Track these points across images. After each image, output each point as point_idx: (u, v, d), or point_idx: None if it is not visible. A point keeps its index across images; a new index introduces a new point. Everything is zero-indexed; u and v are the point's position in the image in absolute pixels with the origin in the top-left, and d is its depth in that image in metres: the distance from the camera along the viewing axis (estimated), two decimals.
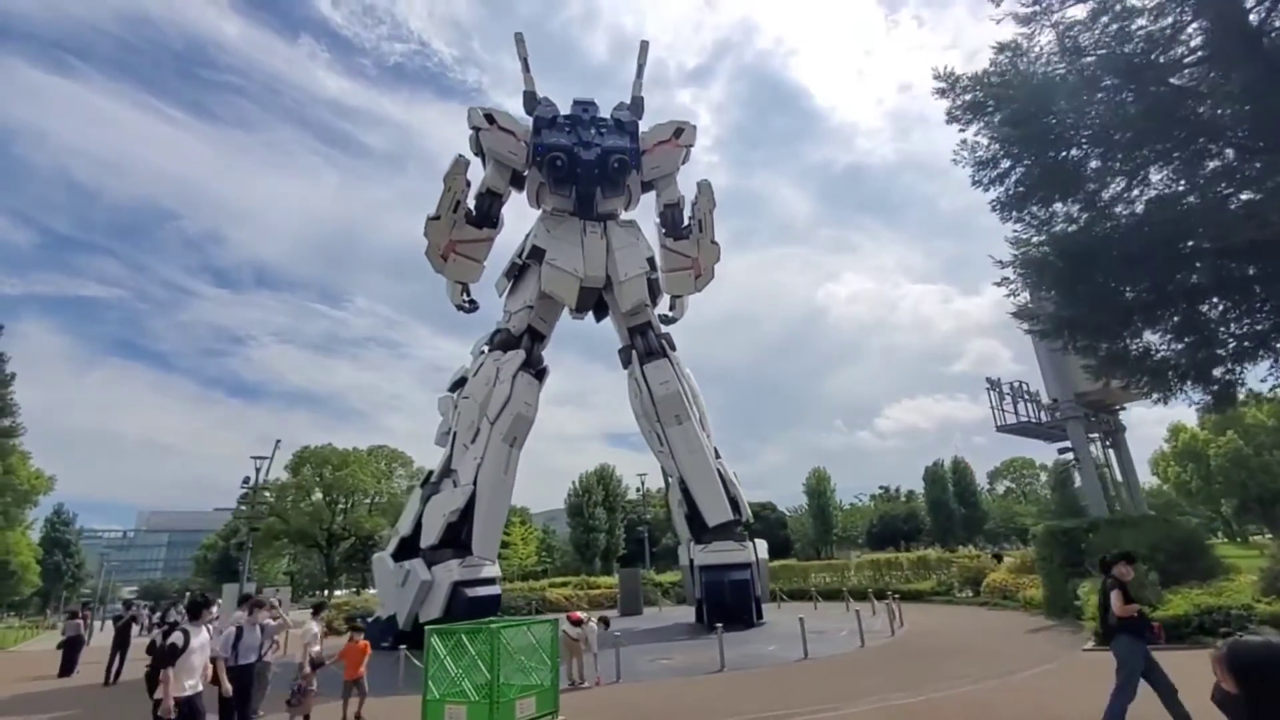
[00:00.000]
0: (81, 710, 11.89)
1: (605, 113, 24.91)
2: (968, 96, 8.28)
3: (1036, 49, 7.59)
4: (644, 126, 25.60)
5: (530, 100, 24.21)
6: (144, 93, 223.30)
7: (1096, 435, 18.36)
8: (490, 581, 19.22)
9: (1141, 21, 7.62)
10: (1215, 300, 6.95)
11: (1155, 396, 7.99)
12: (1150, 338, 7.61)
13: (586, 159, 22.75)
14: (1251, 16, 6.90)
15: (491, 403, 20.77)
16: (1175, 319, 7.05)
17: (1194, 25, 7.38)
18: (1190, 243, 6.34)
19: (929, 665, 11.19)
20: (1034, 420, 18.39)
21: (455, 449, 20.56)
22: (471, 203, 24.54)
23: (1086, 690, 7.48)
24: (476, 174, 24.24)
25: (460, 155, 24.74)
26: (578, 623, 11.92)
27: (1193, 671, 7.38)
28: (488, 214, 24.60)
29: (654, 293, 24.92)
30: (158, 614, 18.40)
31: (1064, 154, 7.22)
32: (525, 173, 24.83)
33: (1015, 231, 7.88)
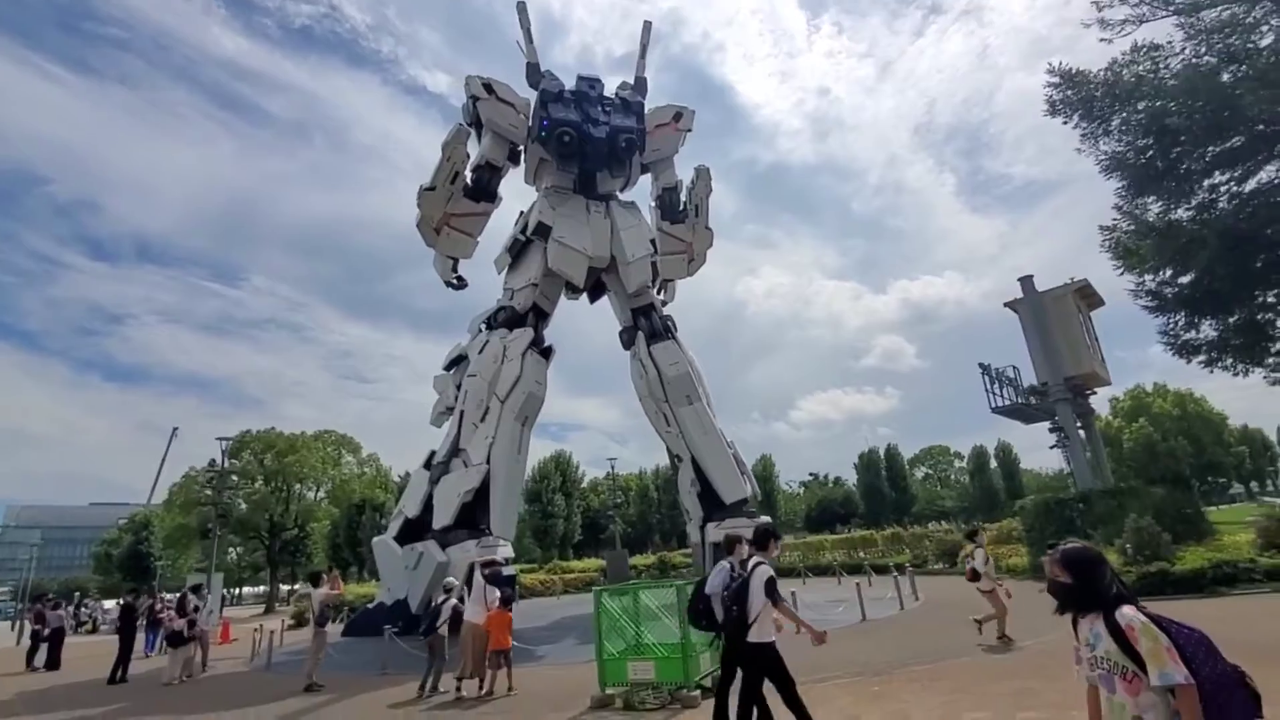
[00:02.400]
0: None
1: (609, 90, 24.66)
2: (1081, 93, 9.02)
3: (1161, 57, 8.39)
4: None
5: (534, 72, 23.58)
6: (17, 45, 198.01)
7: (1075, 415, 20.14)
8: (507, 562, 18.83)
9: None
10: None
11: (1239, 368, 9.06)
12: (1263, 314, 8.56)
13: (596, 137, 22.43)
14: None
15: (501, 381, 20.27)
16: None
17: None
18: None
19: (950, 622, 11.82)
20: (1024, 402, 19.99)
21: (464, 428, 19.94)
22: (468, 175, 23.80)
23: None
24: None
25: (461, 124, 23.83)
26: None
27: (1206, 616, 8.48)
28: (485, 188, 23.87)
29: (654, 274, 24.99)
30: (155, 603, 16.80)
31: (1184, 150, 8.06)
32: (523, 147, 24.27)
33: (1157, 214, 8.62)
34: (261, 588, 71.12)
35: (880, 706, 6.45)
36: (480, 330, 23.05)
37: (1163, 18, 9.72)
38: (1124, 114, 9.50)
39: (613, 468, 44.67)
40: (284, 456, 42.49)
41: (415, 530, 19.55)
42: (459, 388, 22.06)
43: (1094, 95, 9.46)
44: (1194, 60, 8.17)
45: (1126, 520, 13.43)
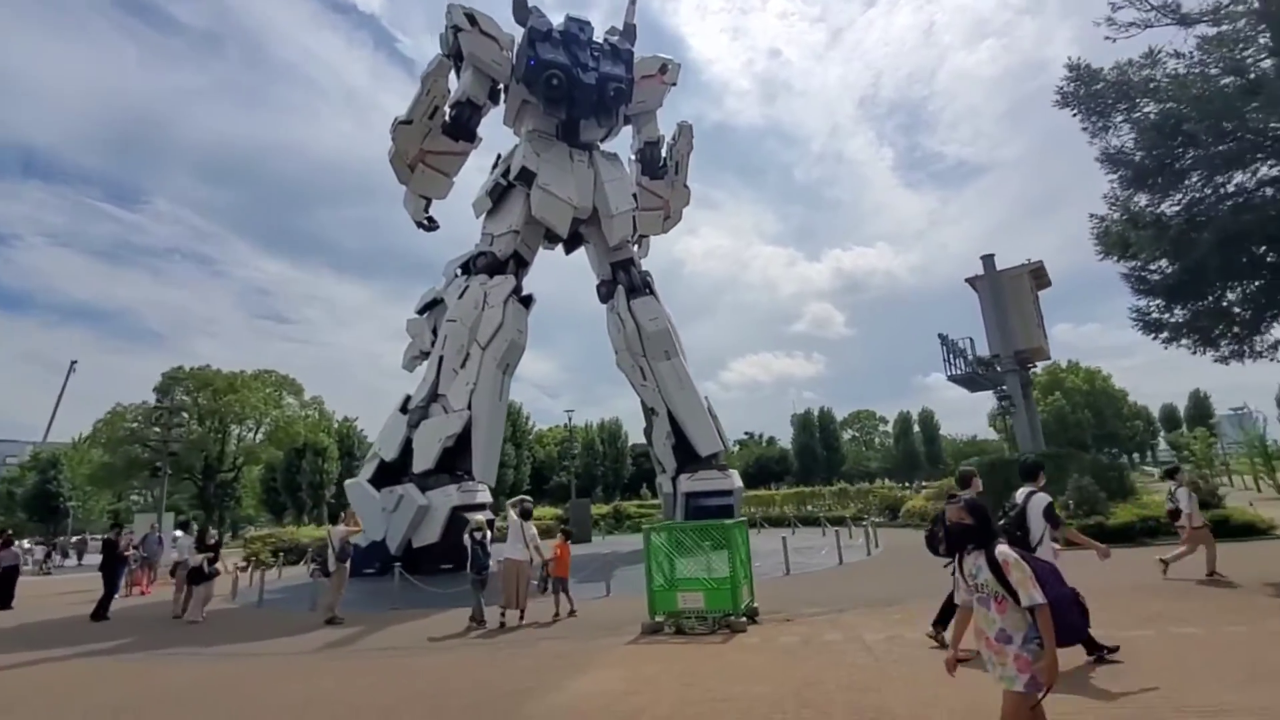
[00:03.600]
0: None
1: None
2: (1097, 87, 9.75)
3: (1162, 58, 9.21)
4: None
5: (521, 7, 22.54)
6: None
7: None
8: (484, 506, 19.08)
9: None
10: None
11: (1197, 348, 10.33)
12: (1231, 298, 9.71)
13: (585, 83, 21.87)
14: None
15: (482, 328, 20.08)
16: (1257, 285, 9.15)
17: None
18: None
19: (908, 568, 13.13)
20: (976, 372, 21.64)
21: (443, 373, 19.72)
22: (447, 111, 22.81)
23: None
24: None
25: (443, 56, 22.67)
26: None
27: (1136, 562, 10.02)
28: (465, 126, 22.98)
29: (633, 229, 24.97)
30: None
31: (1186, 149, 8.92)
32: (505, 86, 23.41)
33: (1148, 209, 9.56)
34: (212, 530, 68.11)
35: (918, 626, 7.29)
36: (456, 275, 22.57)
37: (1166, 24, 10.56)
38: (1127, 112, 10.38)
39: (570, 419, 45.07)
40: (222, 395, 40.31)
41: (391, 474, 19.42)
42: (435, 332, 21.71)
43: (1102, 92, 10.26)
44: (1198, 69, 9.04)
45: (1070, 480, 15.13)
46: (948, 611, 6.50)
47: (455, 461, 19.03)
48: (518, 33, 22.85)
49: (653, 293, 23.53)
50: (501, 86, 23.24)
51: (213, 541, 12.03)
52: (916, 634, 7.06)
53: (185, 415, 35.52)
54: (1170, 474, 11.09)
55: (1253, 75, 8.36)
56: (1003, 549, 3.25)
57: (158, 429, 25.98)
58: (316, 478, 45.96)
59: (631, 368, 22.83)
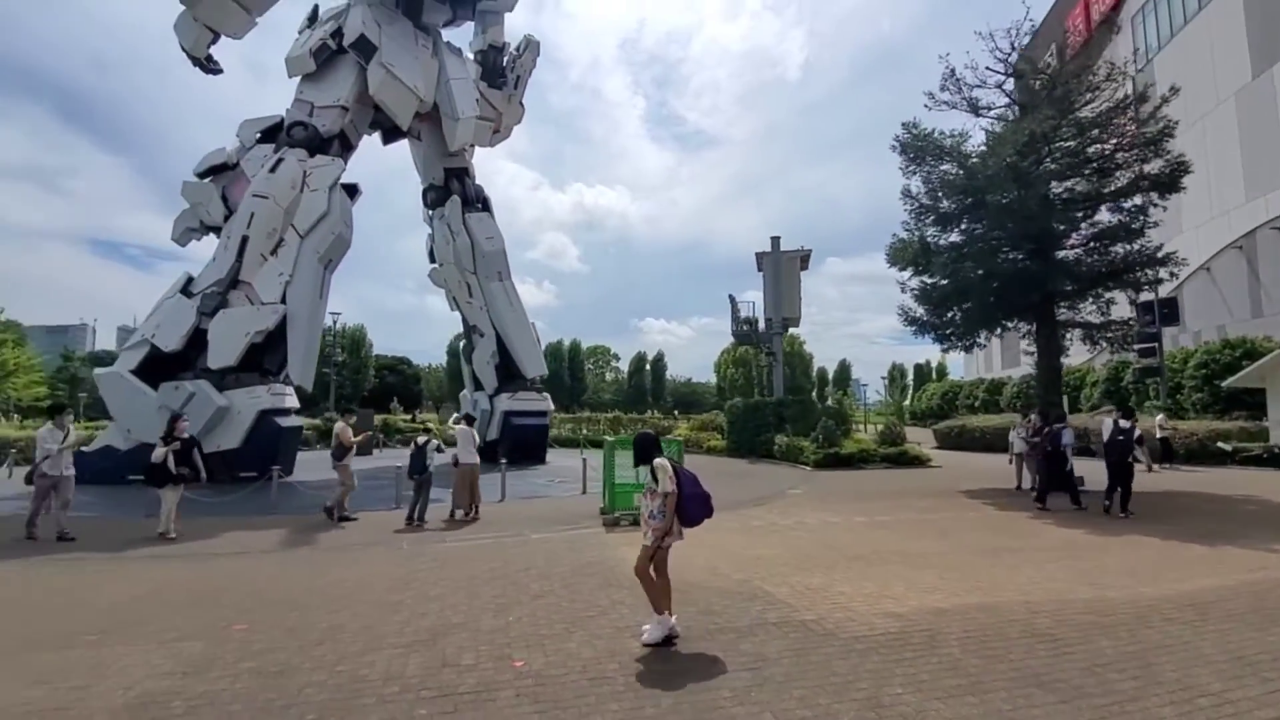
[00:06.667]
0: None
1: None
2: (913, 142, 13.44)
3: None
4: None
5: None
6: None
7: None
8: (291, 412, 17.40)
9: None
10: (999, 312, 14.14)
11: (948, 347, 15.33)
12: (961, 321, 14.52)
13: None
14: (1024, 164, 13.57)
15: (300, 212, 17.72)
16: (978, 316, 13.95)
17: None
18: (995, 284, 13.07)
19: (728, 485, 16.81)
20: (754, 331, 26.47)
21: (247, 257, 16.98)
22: None
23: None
24: None
25: None
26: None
27: (856, 477, 15.10)
28: None
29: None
30: None
31: (969, 204, 13.02)
32: None
33: (915, 284, 14.11)
34: None
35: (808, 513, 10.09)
36: (256, 140, 19.05)
37: (964, 110, 14.74)
38: (929, 166, 14.39)
39: (335, 322, 40.36)
40: None
41: (162, 365, 16.31)
42: (226, 203, 18.25)
43: (919, 147, 14.06)
44: (986, 149, 13.29)
45: (820, 421, 20.37)
46: None
47: (260, 359, 16.85)
48: None
49: (488, 209, 23.06)
50: None
51: (184, 430, 9.52)
52: (774, 521, 9.89)
53: None
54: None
55: (1007, 161, 12.70)
56: (659, 460, 4.76)
57: None
58: None
59: (458, 283, 22.31)
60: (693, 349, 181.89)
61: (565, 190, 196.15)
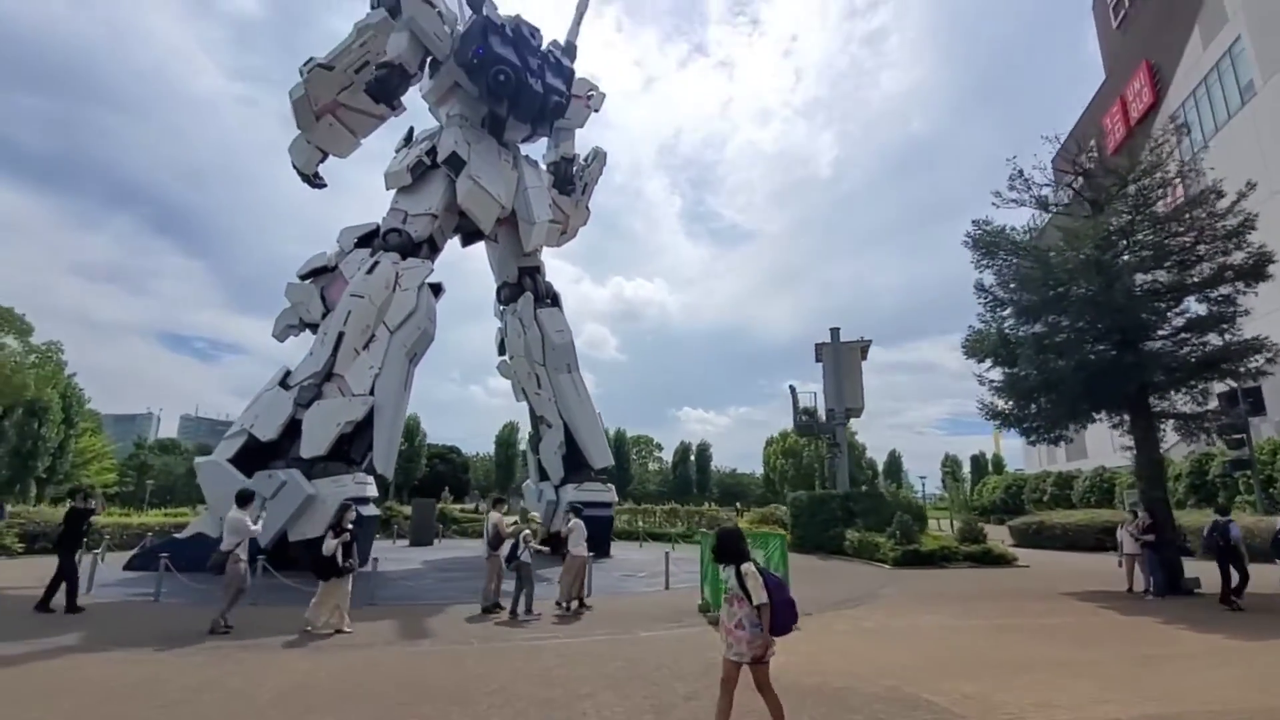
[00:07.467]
0: None
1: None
2: (985, 237, 13.91)
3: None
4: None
5: None
6: None
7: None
8: (370, 501, 17.76)
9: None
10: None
11: (1034, 440, 14.99)
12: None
13: (533, 89, 22.16)
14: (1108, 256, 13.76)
15: (392, 310, 18.89)
16: (1066, 408, 13.80)
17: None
18: (1085, 375, 13.01)
19: (810, 583, 16.13)
20: (815, 421, 26.24)
21: (342, 352, 18.02)
22: (374, 70, 21.09)
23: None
24: None
25: (385, 12, 20.95)
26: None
27: (942, 577, 14.39)
28: (391, 91, 21.40)
29: None
30: None
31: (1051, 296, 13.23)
32: (441, 62, 22.43)
33: (997, 376, 14.30)
34: None
35: (866, 623, 9.64)
36: (354, 245, 20.72)
37: (1031, 206, 15.19)
38: (1002, 259, 14.73)
39: None
40: None
41: (256, 455, 17.05)
42: (324, 302, 19.68)
43: (991, 242, 14.49)
44: (1062, 244, 13.66)
45: (895, 516, 19.65)
46: None
47: (346, 449, 17.48)
48: (461, 10, 22.34)
49: (558, 304, 24.16)
50: (441, 62, 22.25)
51: (352, 519, 9.57)
52: (886, 623, 9.44)
53: None
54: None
55: (1085, 255, 12.92)
56: (747, 566, 4.53)
57: None
58: (29, 444, 35.12)
59: (527, 375, 23.06)
60: (732, 438, 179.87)
61: (605, 284, 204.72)
